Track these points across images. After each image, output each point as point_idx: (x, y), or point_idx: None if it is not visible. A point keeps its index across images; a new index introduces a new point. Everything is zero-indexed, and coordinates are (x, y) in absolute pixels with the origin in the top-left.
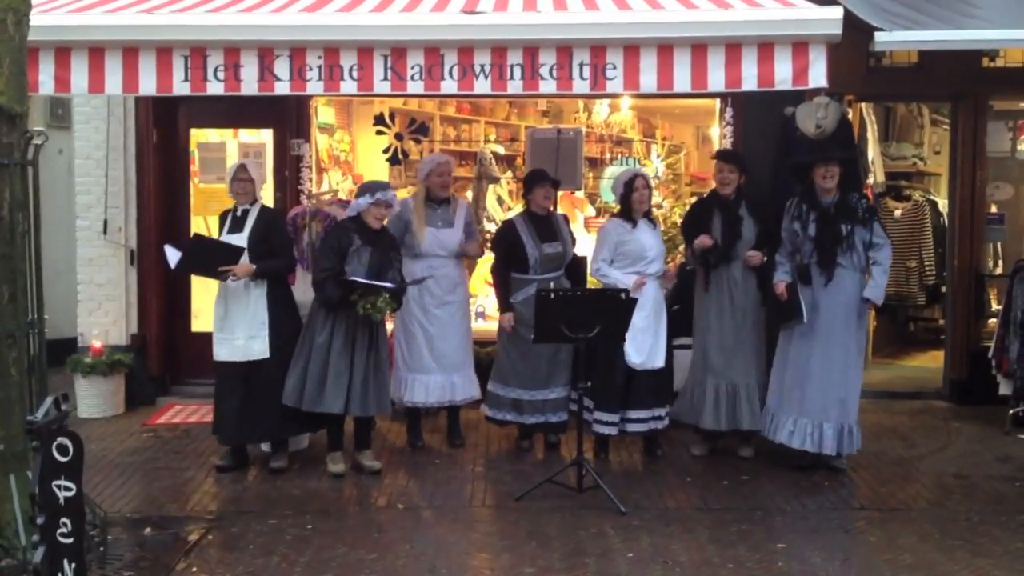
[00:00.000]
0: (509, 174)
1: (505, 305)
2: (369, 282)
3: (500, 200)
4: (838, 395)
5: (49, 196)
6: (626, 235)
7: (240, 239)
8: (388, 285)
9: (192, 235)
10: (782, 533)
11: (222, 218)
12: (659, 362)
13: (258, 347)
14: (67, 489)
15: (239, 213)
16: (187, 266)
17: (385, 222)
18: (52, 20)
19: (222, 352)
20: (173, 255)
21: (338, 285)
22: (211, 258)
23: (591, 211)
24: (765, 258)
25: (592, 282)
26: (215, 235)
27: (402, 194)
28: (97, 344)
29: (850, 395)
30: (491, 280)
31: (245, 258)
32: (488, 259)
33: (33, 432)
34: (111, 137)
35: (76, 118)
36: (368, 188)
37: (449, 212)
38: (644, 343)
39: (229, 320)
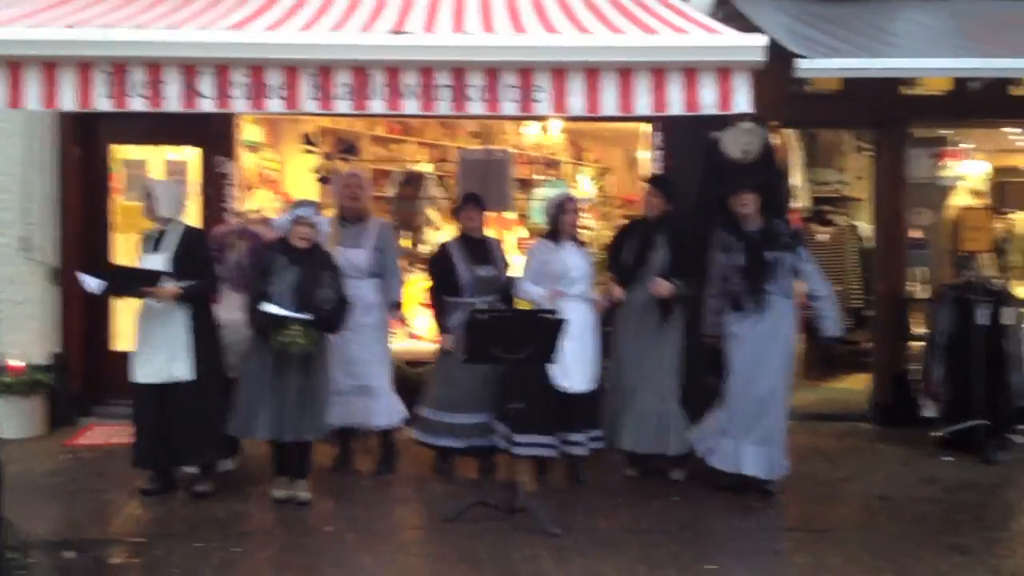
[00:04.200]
0: (440, 191)
1: (444, 328)
2: (282, 313)
3: (429, 221)
4: (762, 419)
5: None
6: (550, 254)
7: (156, 259)
8: (302, 317)
9: (108, 264)
10: (712, 554)
11: (145, 239)
12: (586, 385)
13: (179, 369)
14: None
15: (155, 233)
16: (111, 291)
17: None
18: None
19: (142, 373)
20: (90, 282)
21: (256, 314)
22: (132, 282)
23: (523, 232)
24: (674, 288)
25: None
26: (134, 254)
27: (330, 213)
28: (17, 363)
29: (775, 419)
30: (424, 301)
31: (169, 279)
32: (416, 279)
33: None
34: (31, 152)
35: None
36: (291, 206)
37: (359, 231)
38: (572, 367)
39: (150, 340)
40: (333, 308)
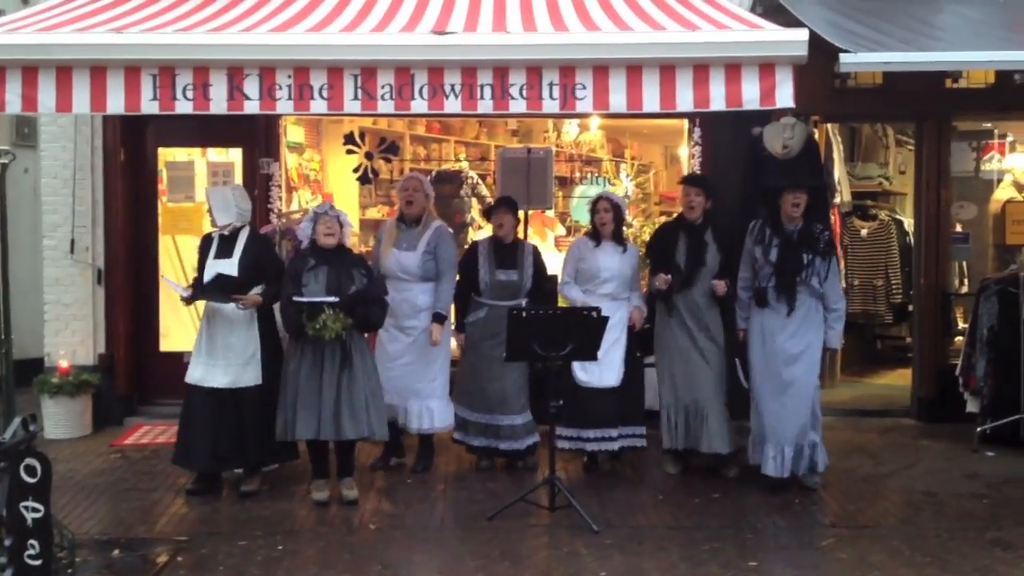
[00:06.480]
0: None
1: (460, 326)
2: (311, 299)
3: (471, 220)
4: (799, 418)
5: (15, 216)
6: (586, 253)
7: (229, 264)
8: (331, 300)
9: (215, 275)
10: (754, 551)
11: (206, 241)
12: (616, 381)
13: (250, 374)
14: (35, 510)
15: (218, 237)
16: (198, 297)
17: (345, 240)
18: (19, 39)
19: (212, 378)
20: (178, 287)
21: (289, 313)
22: (224, 290)
23: (561, 230)
24: (728, 286)
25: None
26: (185, 259)
27: (372, 213)
28: (64, 364)
29: (805, 418)
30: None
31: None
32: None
33: (1, 453)
34: (78, 156)
35: (43, 137)
36: (310, 211)
37: (415, 234)
38: (603, 363)
39: (218, 346)
40: (358, 292)
